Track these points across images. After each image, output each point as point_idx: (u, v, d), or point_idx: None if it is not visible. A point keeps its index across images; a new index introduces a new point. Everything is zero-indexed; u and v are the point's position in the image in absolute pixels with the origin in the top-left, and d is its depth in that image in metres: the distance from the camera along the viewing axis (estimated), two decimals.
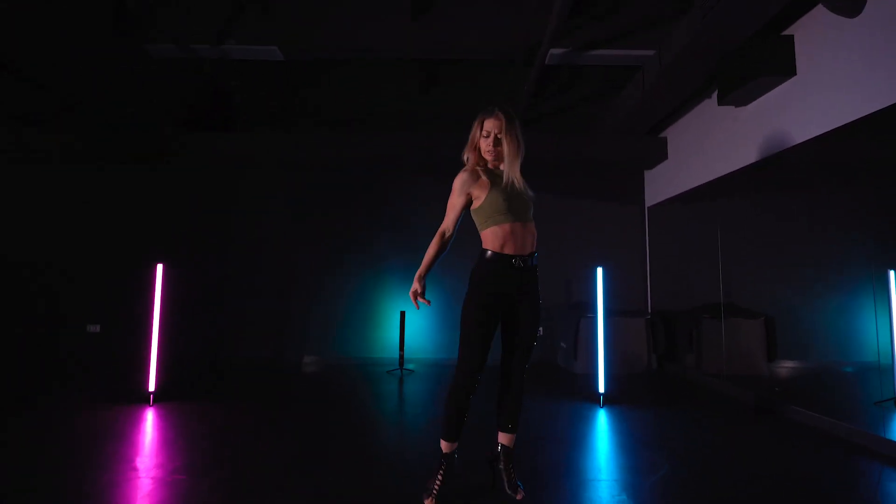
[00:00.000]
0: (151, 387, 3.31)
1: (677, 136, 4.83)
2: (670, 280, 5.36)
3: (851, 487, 2.07)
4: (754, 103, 3.60)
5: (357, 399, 3.60)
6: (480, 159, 1.90)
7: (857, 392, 4.17)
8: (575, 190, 5.54)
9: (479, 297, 1.83)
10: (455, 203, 1.86)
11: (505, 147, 1.81)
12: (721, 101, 3.66)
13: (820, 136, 2.97)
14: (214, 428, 2.75)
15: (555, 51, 4.04)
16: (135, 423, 2.85)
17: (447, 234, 1.90)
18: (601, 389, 3.45)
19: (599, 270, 3.58)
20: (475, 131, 1.86)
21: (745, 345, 4.81)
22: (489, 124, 1.82)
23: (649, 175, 5.45)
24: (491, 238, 1.84)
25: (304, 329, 5.32)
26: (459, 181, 1.86)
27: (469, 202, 1.86)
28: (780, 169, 5.07)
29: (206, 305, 5.24)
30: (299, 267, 5.41)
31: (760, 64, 3.17)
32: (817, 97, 2.99)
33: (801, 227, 5.49)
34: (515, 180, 1.82)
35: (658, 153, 5.02)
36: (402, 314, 4.77)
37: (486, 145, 1.83)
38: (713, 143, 4.16)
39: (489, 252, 1.84)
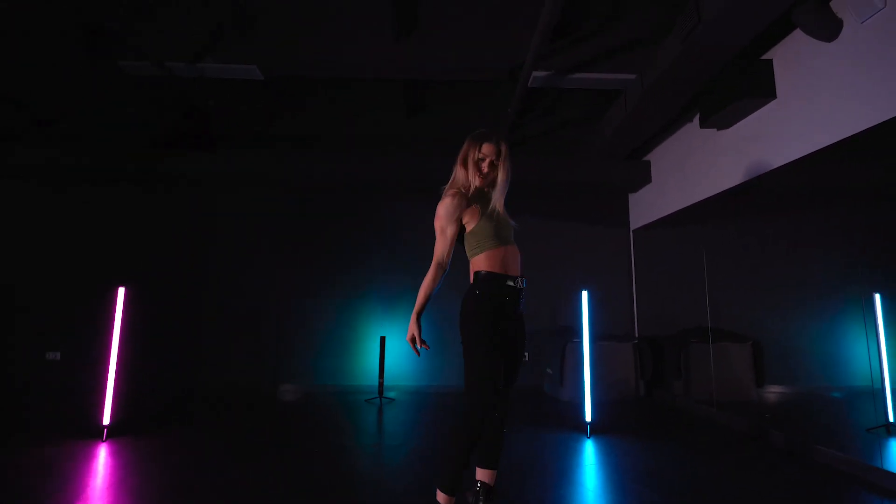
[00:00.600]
0: (106, 419, 3.06)
1: (660, 159, 4.85)
2: (657, 304, 5.29)
3: None
4: (735, 126, 3.61)
5: (333, 431, 3.38)
6: (466, 180, 1.86)
7: (847, 418, 4.07)
8: (560, 213, 5.50)
9: (483, 320, 1.71)
10: (447, 231, 1.80)
11: (500, 175, 1.82)
12: (703, 125, 3.67)
13: (799, 159, 2.96)
14: (172, 463, 2.52)
15: (538, 73, 4.04)
16: (83, 459, 2.60)
17: (444, 266, 1.82)
18: (588, 418, 3.30)
19: (584, 294, 3.48)
20: (471, 151, 1.84)
21: (733, 370, 4.71)
22: (487, 148, 1.82)
23: (633, 198, 5.44)
24: (485, 262, 1.79)
25: (281, 356, 5.09)
26: (447, 207, 1.79)
27: (461, 228, 1.81)
28: (763, 192, 5.11)
29: (176, 332, 5.00)
30: (276, 291, 5.21)
31: (740, 87, 3.18)
32: (797, 120, 2.99)
33: (785, 251, 5.50)
34: (499, 207, 1.83)
35: (642, 176, 5.02)
36: (383, 340, 4.59)
37: (480, 169, 1.83)
38: (695, 167, 4.16)
39: (484, 272, 1.77)
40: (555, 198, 5.49)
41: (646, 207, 5.13)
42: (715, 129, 3.82)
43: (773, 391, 4.99)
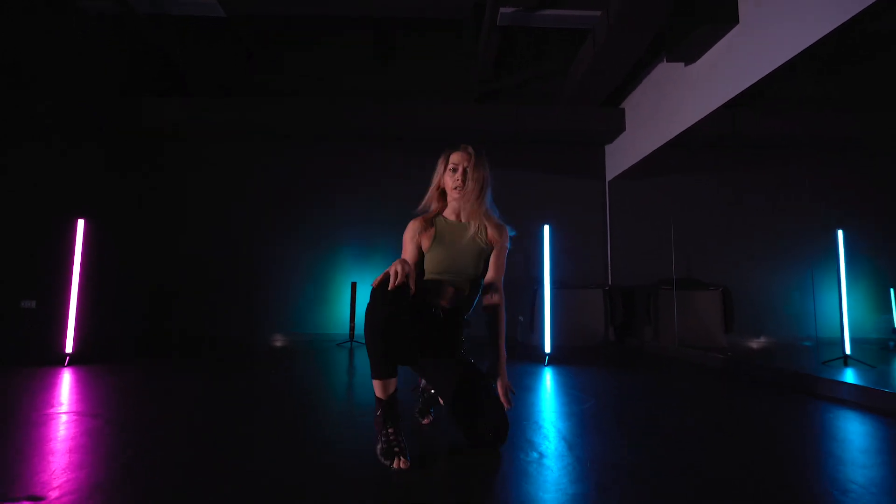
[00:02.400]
0: (69, 347, 3.10)
1: (634, 106, 4.80)
2: (631, 254, 5.32)
3: (781, 419, 1.98)
4: (701, 59, 3.56)
5: (299, 368, 3.42)
6: (442, 202, 1.74)
7: (809, 358, 4.13)
8: (536, 165, 5.47)
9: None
10: (406, 253, 1.69)
11: (469, 183, 1.64)
12: (669, 58, 3.62)
13: (765, 77, 2.92)
14: (138, 385, 2.56)
15: (504, 9, 3.97)
16: (48, 380, 2.64)
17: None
18: (547, 350, 3.34)
19: (546, 228, 3.48)
20: (439, 168, 1.71)
21: (702, 316, 4.76)
22: (456, 157, 1.67)
23: (609, 149, 5.41)
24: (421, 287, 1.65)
25: (254, 304, 5.12)
26: (407, 233, 1.71)
27: (420, 253, 1.68)
28: (735, 144, 5.08)
29: (149, 277, 5.02)
30: (247, 241, 5.21)
31: (702, 14, 3.13)
32: (760, 42, 2.95)
33: (756, 201, 5.51)
34: (472, 224, 1.67)
35: (616, 125, 4.98)
36: (353, 286, 4.62)
37: (452, 181, 1.66)
38: (667, 107, 4.12)
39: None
40: (531, 150, 5.45)
41: (621, 156, 5.10)
42: (683, 65, 3.77)
43: (741, 337, 5.06)
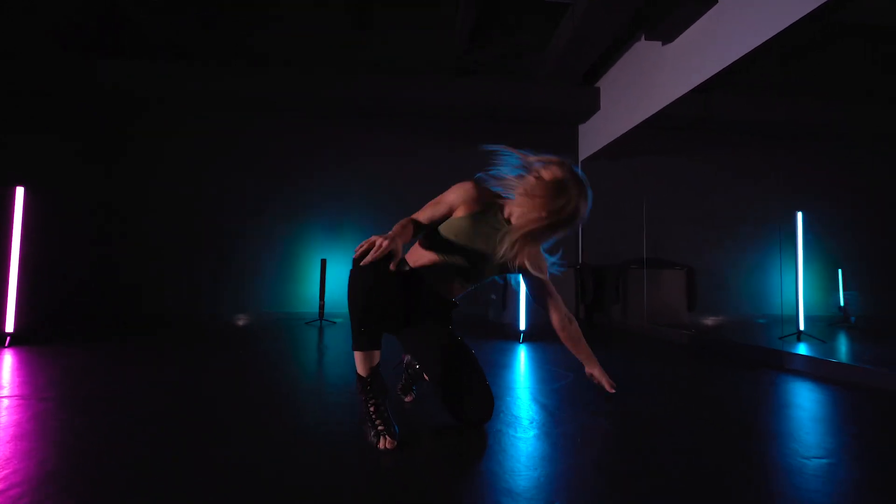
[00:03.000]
0: (9, 327, 2.84)
1: (609, 85, 4.79)
2: (601, 234, 5.39)
3: (747, 390, 2.05)
4: (679, 39, 3.56)
5: (265, 346, 3.29)
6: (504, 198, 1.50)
7: (766, 334, 4.33)
8: (511, 142, 5.40)
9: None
10: (444, 199, 1.48)
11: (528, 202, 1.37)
12: (648, 37, 3.60)
13: (742, 57, 2.94)
14: (90, 367, 2.37)
15: None
16: None
17: (417, 227, 1.43)
18: (522, 327, 3.35)
19: None
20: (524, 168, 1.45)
21: (667, 295, 4.91)
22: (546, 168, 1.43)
23: (583, 128, 5.41)
24: (413, 253, 1.51)
25: (216, 282, 4.88)
26: (462, 189, 1.48)
27: (449, 214, 1.46)
28: (704, 128, 5.19)
29: (94, 254, 4.69)
30: (211, 216, 4.94)
31: None
32: (739, 22, 2.96)
33: (721, 184, 5.68)
34: (512, 251, 1.37)
35: (591, 104, 4.97)
36: (323, 262, 4.47)
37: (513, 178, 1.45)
38: (642, 87, 4.13)
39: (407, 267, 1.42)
40: (507, 128, 5.38)
41: (594, 136, 5.11)
42: (660, 44, 3.76)
43: (704, 314, 5.26)
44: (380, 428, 1.22)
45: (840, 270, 5.37)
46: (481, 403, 1.39)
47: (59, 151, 4.65)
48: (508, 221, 1.46)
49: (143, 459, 1.14)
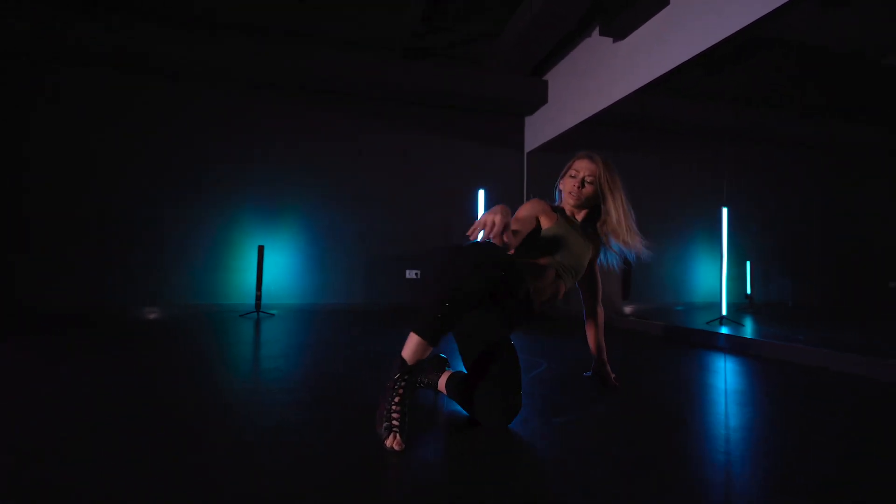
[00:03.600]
0: None
1: (558, 78, 4.87)
2: None
3: (690, 367, 2.17)
4: (630, 36, 3.67)
5: (195, 342, 2.93)
6: (560, 200, 1.72)
7: (694, 321, 4.69)
8: (458, 131, 5.33)
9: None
10: (518, 217, 1.55)
11: (586, 191, 1.63)
12: (602, 31, 3.68)
13: (686, 61, 3.09)
14: None
15: None
16: None
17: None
18: None
19: (481, 192, 3.39)
20: (565, 168, 1.71)
21: (605, 284, 5.15)
22: (578, 164, 1.65)
23: (529, 120, 5.47)
24: (529, 266, 1.54)
25: (134, 274, 4.32)
26: (530, 203, 1.64)
27: (535, 225, 1.57)
28: (642, 129, 5.49)
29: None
30: (129, 197, 4.34)
31: None
32: (687, 25, 3.10)
33: (654, 182, 6.06)
34: (624, 242, 1.65)
35: (539, 95, 5.03)
36: (261, 249, 4.11)
37: (569, 185, 1.64)
38: (590, 82, 4.23)
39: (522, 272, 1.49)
40: (456, 115, 5.29)
41: (541, 128, 5.19)
42: (612, 41, 3.87)
43: (637, 304, 5.60)
44: (395, 424, 1.11)
45: (748, 263, 6.00)
46: (512, 408, 1.30)
47: None
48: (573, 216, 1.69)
49: (69, 469, 0.91)
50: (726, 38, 2.82)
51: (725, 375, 2.16)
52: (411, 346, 1.16)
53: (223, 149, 4.58)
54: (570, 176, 1.64)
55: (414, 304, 5.03)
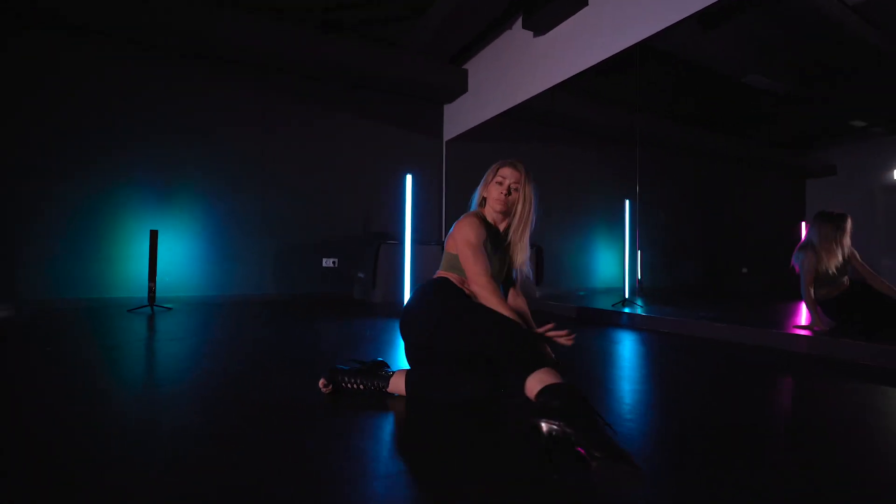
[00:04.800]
0: None
1: (478, 68, 4.92)
2: (462, 212, 5.57)
3: (598, 344, 2.35)
4: (551, 32, 3.82)
5: (74, 342, 2.48)
6: (483, 205, 1.71)
7: (602, 303, 5.07)
8: (378, 114, 5.16)
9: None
10: (476, 244, 1.54)
11: (519, 203, 1.64)
12: (525, 24, 3.78)
13: (601, 62, 3.29)
14: None
15: None
16: None
17: (491, 282, 1.51)
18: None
19: (409, 177, 3.31)
20: (488, 176, 1.69)
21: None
22: (505, 171, 1.64)
23: (449, 109, 5.48)
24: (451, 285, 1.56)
25: None
26: (473, 225, 1.57)
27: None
28: (555, 126, 5.77)
29: None
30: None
31: None
32: (605, 25, 3.29)
33: (566, 175, 6.43)
34: (518, 247, 1.67)
35: (459, 85, 5.04)
36: (154, 234, 3.61)
37: (497, 192, 1.63)
38: (511, 74, 4.33)
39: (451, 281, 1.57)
40: (374, 97, 5.11)
41: (461, 118, 5.22)
42: (532, 35, 3.99)
43: (547, 289, 5.92)
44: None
45: (639, 252, 6.67)
46: (488, 379, 1.35)
47: None
48: (494, 224, 1.68)
49: None
50: (629, 47, 3.06)
51: (617, 347, 2.36)
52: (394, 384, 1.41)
53: (101, 118, 3.92)
54: (497, 183, 1.63)
55: (331, 293, 4.80)
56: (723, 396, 1.58)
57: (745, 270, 8.68)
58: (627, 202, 4.68)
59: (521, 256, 1.67)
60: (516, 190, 1.62)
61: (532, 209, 1.65)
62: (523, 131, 5.99)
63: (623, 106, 6.21)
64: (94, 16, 3.60)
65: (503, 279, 1.72)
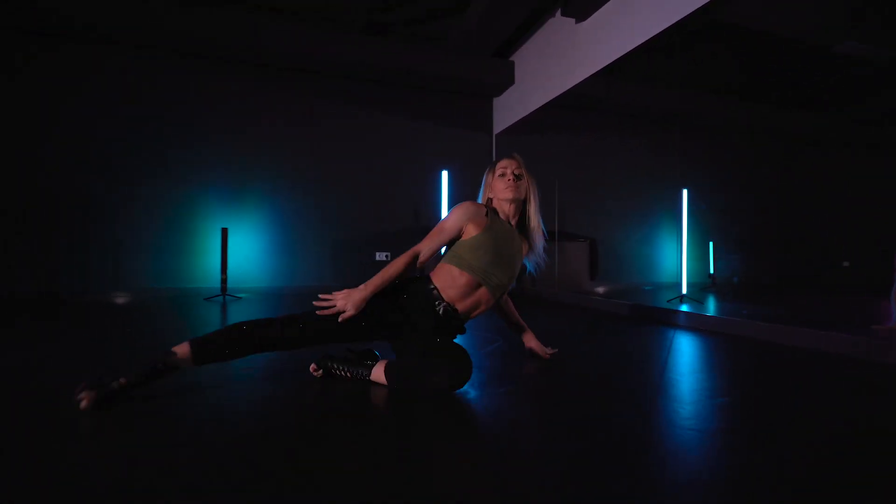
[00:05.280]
0: None
1: (524, 59, 4.89)
2: None
3: (650, 344, 2.27)
4: (592, 16, 3.71)
5: (158, 325, 2.90)
6: (489, 196, 1.67)
7: (656, 299, 4.84)
8: (424, 113, 5.31)
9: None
10: (445, 227, 1.53)
11: (530, 185, 1.64)
12: (564, 11, 3.71)
13: (642, 44, 3.15)
14: None
15: None
16: None
17: (421, 259, 1.50)
18: None
19: (444, 173, 3.41)
20: (487, 178, 1.67)
21: (572, 264, 5.27)
22: (502, 163, 1.63)
23: (497, 102, 5.49)
24: (442, 276, 1.51)
25: (94, 255, 4.20)
26: (461, 209, 1.55)
27: (458, 236, 1.54)
28: (606, 112, 5.56)
29: None
30: (85, 177, 4.19)
31: None
32: (645, 6, 3.15)
33: (620, 164, 6.17)
34: (537, 233, 1.64)
35: (506, 77, 5.04)
36: (224, 232, 4.05)
37: (503, 183, 1.60)
38: (555, 63, 4.26)
39: (432, 287, 1.49)
40: (419, 95, 5.26)
41: (508, 110, 5.21)
42: (574, 21, 3.89)
43: (601, 282, 5.74)
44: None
45: (711, 243, 6.21)
46: (457, 374, 1.35)
47: None
48: (507, 220, 1.63)
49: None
50: (680, 21, 2.88)
51: (670, 348, 2.26)
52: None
53: (179, 128, 4.46)
54: (500, 175, 1.61)
55: None
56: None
57: (846, 264, 7.73)
58: (685, 191, 4.40)
59: (541, 240, 1.65)
60: (520, 176, 1.61)
61: (535, 191, 1.65)
62: (576, 120, 5.83)
63: (689, 87, 5.80)
64: (174, 39, 4.09)
65: (516, 276, 1.64)
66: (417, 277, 1.54)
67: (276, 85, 4.76)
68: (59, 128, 4.11)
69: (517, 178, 1.60)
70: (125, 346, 2.09)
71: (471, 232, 1.52)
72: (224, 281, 3.98)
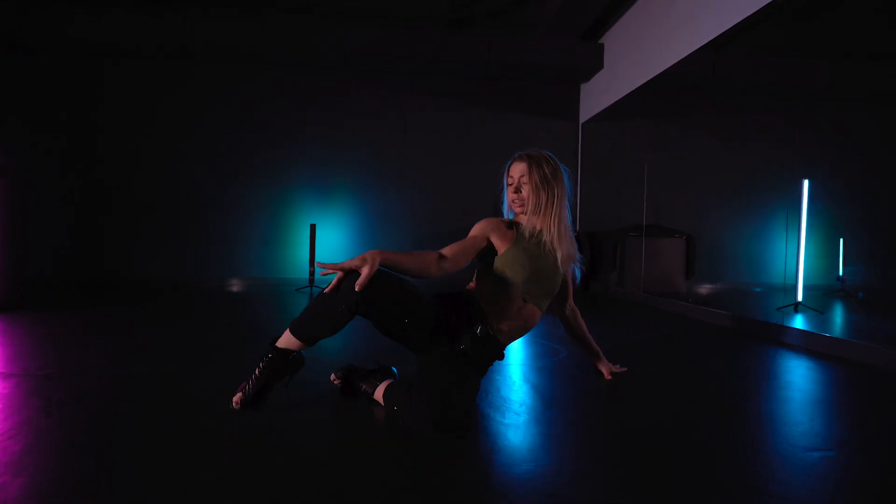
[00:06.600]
0: None
1: (614, 40, 4.52)
2: (599, 200, 5.24)
3: (744, 366, 1.99)
4: None
5: (257, 314, 3.21)
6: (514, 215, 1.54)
7: (765, 304, 4.29)
8: (509, 104, 5.16)
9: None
10: (470, 234, 1.44)
11: (531, 195, 1.42)
12: None
13: (752, 14, 2.73)
14: (83, 337, 2.28)
15: None
16: None
17: (444, 265, 1.30)
18: None
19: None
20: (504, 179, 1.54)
21: (665, 263, 4.83)
22: (511, 169, 1.48)
23: (585, 88, 5.16)
24: (483, 292, 1.43)
25: (202, 247, 4.76)
26: (482, 221, 1.46)
27: (487, 246, 1.42)
28: (712, 88, 4.94)
29: (72, 216, 4.55)
30: (195, 177, 4.75)
31: None
32: None
33: (727, 148, 5.49)
34: (548, 240, 1.43)
35: (594, 61, 4.70)
36: (313, 228, 4.34)
37: (510, 196, 1.48)
38: (649, 42, 3.88)
39: (475, 303, 1.41)
40: (504, 85, 5.12)
41: (597, 96, 4.88)
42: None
43: (699, 282, 5.21)
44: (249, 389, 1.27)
45: (842, 240, 5.28)
46: (445, 419, 1.14)
47: (31, 107, 4.41)
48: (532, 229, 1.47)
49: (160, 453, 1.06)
50: None
51: (764, 373, 1.97)
52: (284, 338, 1.30)
53: (272, 130, 4.82)
54: (509, 185, 1.48)
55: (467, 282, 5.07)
56: None
57: None
58: (806, 182, 3.79)
59: (565, 249, 1.44)
60: (525, 183, 1.42)
61: (552, 194, 1.41)
62: (673, 103, 5.27)
63: (821, 57, 4.94)
64: (263, 45, 4.41)
65: (558, 290, 1.53)
66: (467, 290, 1.48)
67: (358, 83, 4.92)
68: (193, 138, 4.70)
69: (518, 189, 1.44)
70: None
71: (501, 247, 1.42)
72: (312, 273, 4.27)
